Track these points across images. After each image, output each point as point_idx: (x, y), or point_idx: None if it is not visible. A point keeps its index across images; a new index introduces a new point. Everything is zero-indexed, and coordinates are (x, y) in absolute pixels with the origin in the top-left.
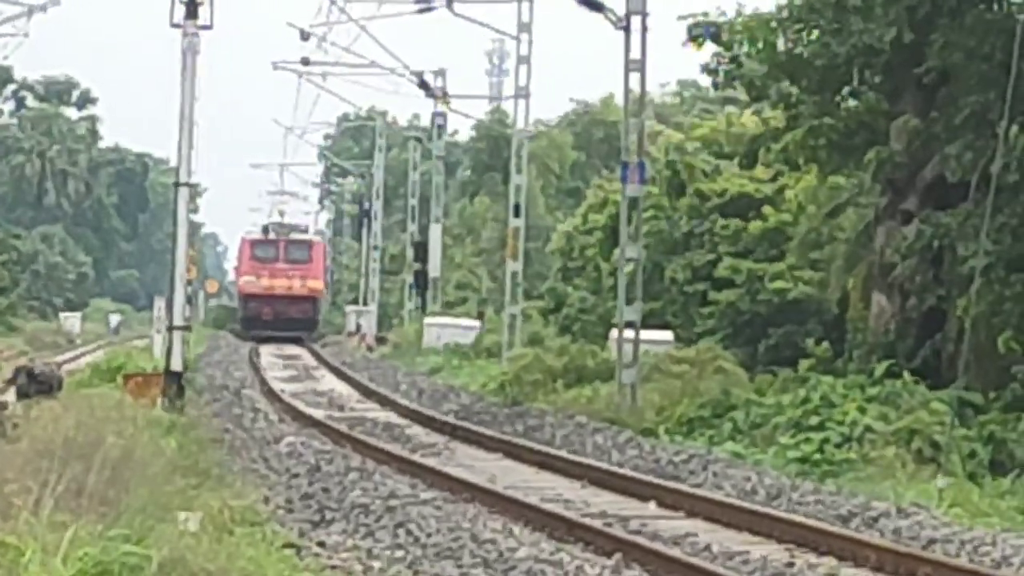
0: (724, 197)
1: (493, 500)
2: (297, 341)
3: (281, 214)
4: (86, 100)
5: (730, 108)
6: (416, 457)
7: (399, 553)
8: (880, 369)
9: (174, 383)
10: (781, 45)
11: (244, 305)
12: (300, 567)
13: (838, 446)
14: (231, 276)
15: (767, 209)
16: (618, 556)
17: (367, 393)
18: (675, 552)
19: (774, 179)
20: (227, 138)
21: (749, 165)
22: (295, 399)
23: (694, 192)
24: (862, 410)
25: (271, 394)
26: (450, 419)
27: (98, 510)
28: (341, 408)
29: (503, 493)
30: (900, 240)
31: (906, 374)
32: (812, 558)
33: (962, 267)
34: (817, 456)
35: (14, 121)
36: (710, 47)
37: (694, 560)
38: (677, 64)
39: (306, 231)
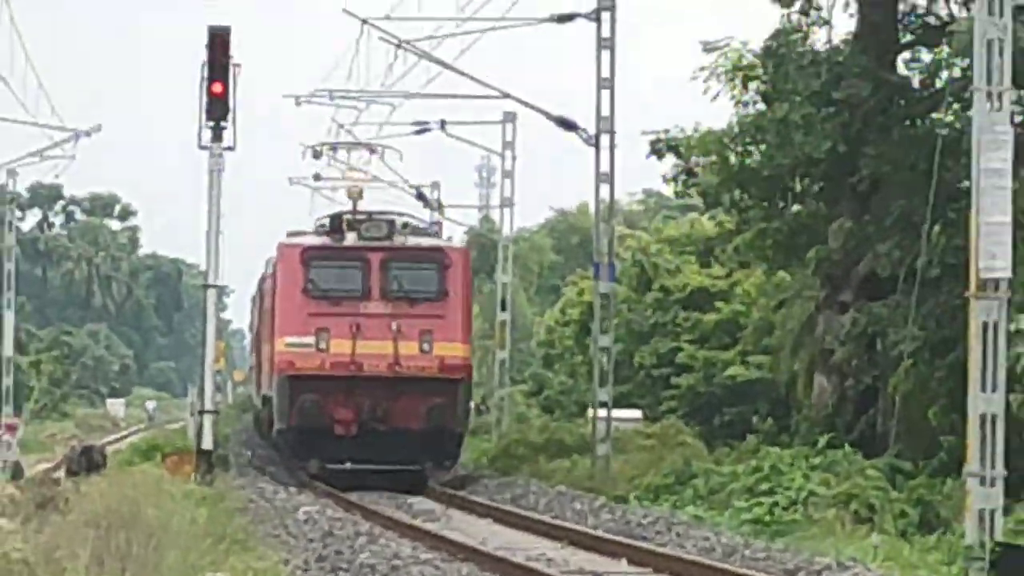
0: (685, 292)
1: (484, 560)
2: (413, 480)
3: (354, 198)
4: (127, 213)
5: (691, 214)
6: (417, 522)
7: None
8: (823, 441)
9: (205, 460)
10: (732, 158)
11: (288, 402)
12: None
13: (785, 509)
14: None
15: (721, 303)
16: None
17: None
18: None
19: (728, 275)
20: (252, 243)
21: (706, 263)
22: (315, 479)
23: (658, 288)
24: (807, 477)
25: (290, 471)
26: (447, 490)
27: (139, 574)
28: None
29: (493, 553)
30: (839, 328)
31: (846, 445)
32: None
33: (893, 350)
34: (767, 518)
35: (64, 232)
36: (670, 160)
37: None
38: (642, 175)
39: (430, 230)
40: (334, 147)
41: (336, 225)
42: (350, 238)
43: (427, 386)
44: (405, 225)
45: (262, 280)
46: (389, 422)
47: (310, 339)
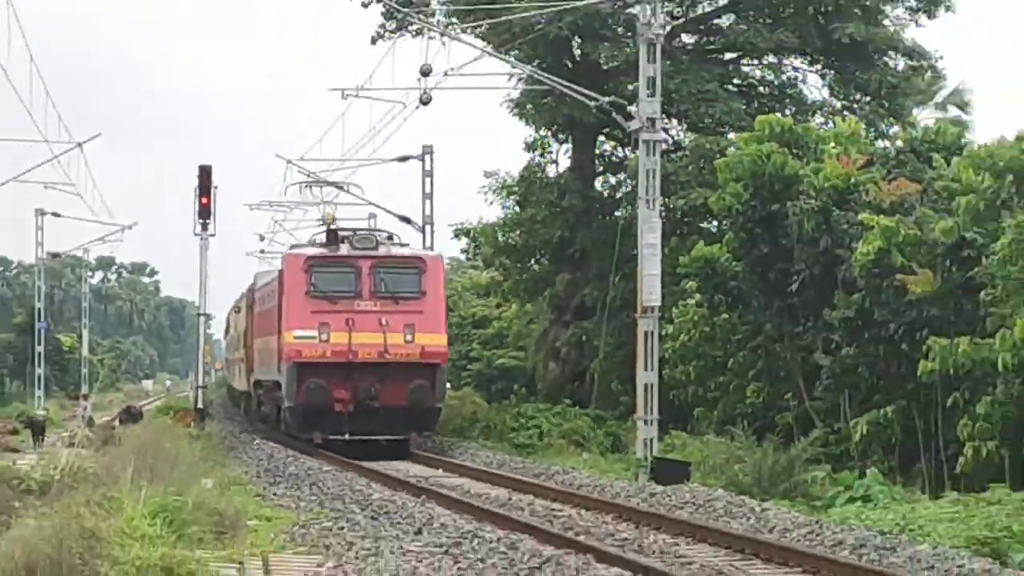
0: (475, 317)
1: (363, 471)
2: (398, 448)
3: (329, 223)
4: (153, 272)
5: (472, 271)
6: (321, 450)
7: (313, 497)
8: (563, 403)
9: (199, 414)
10: (500, 238)
11: (296, 385)
12: (263, 504)
13: (535, 439)
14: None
15: (495, 322)
16: (424, 496)
17: None
18: (453, 493)
19: (498, 306)
20: (230, 288)
21: (485, 298)
22: (264, 422)
23: (457, 315)
24: (547, 420)
25: (246, 414)
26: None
27: (161, 479)
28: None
29: (367, 467)
30: (564, 337)
31: (577, 405)
32: (520, 496)
33: (595, 349)
34: (525, 444)
35: (117, 284)
36: (465, 240)
37: (462, 498)
38: (451, 248)
39: (404, 242)
40: (310, 185)
41: (332, 238)
42: (344, 249)
43: (410, 370)
44: (389, 237)
45: (250, 292)
46: (379, 400)
47: (314, 332)
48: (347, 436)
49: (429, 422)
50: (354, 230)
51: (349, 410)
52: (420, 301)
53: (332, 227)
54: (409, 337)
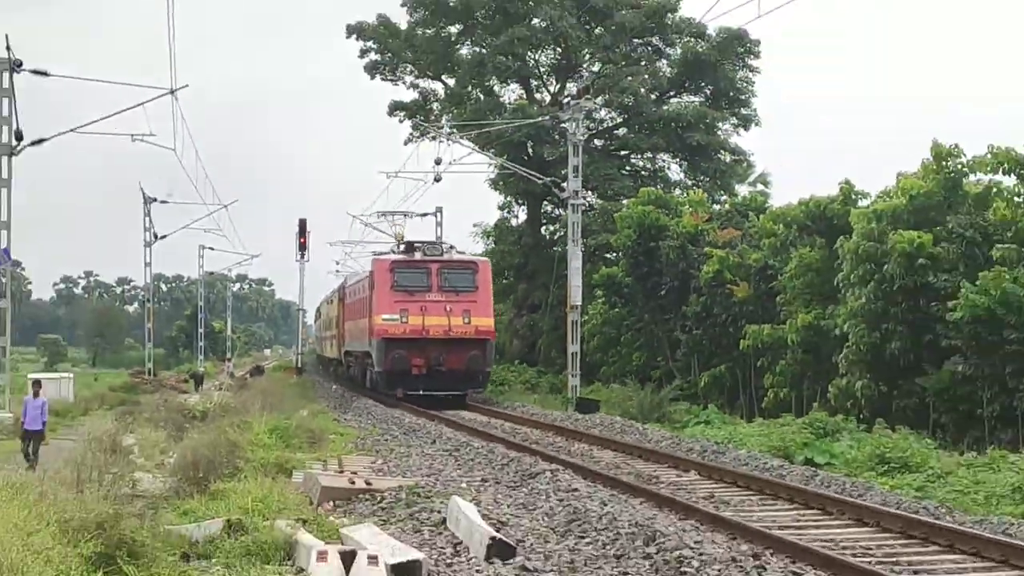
0: None
1: (407, 407)
2: (458, 401)
3: (399, 238)
4: (270, 283)
5: None
6: (376, 395)
7: (369, 422)
8: (520, 364)
9: (298, 370)
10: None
11: (383, 354)
12: (339, 425)
13: (505, 387)
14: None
15: None
16: (436, 421)
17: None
18: (454, 419)
19: None
20: (314, 293)
21: None
22: (401, 400)
23: None
24: (511, 374)
25: (332, 373)
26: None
27: (276, 409)
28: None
29: (405, 405)
30: (523, 323)
31: (526, 364)
32: (495, 420)
33: (541, 330)
34: (499, 391)
35: (248, 291)
36: None
37: (460, 421)
38: None
39: (461, 250)
40: (384, 214)
41: (409, 248)
42: (418, 255)
43: (467, 344)
44: (451, 247)
45: (341, 288)
46: (445, 365)
47: (396, 316)
48: (421, 391)
49: (481, 382)
50: (424, 241)
51: (423, 373)
52: (474, 293)
53: (406, 240)
54: (467, 320)
